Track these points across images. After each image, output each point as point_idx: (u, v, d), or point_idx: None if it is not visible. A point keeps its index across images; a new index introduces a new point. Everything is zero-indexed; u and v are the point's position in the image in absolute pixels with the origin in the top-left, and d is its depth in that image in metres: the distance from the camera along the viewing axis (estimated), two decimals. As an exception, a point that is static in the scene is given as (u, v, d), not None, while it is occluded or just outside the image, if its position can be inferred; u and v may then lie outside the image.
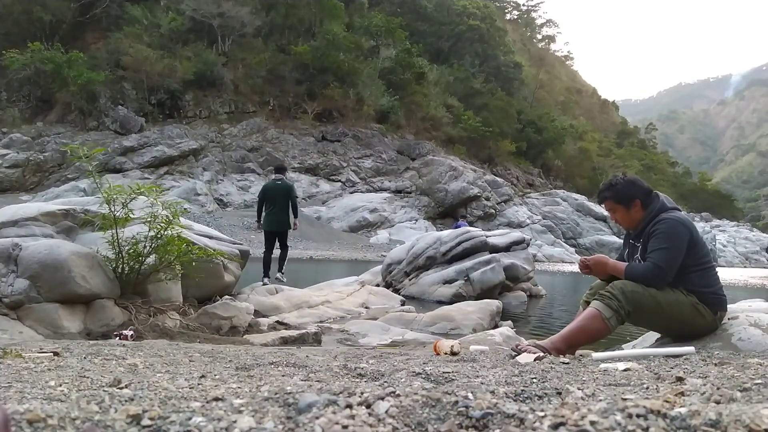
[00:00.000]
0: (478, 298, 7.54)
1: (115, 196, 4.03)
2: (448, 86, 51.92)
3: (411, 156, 42.29)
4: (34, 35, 34.64)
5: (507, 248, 10.40)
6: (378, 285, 9.21)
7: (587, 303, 2.56)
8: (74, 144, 4.27)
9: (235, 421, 0.75)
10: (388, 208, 36.26)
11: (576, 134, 63.79)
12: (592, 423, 0.73)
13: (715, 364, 1.78)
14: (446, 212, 37.45)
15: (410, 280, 9.47)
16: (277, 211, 7.33)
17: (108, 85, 34.28)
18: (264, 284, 6.89)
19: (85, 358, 1.94)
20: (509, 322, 5.80)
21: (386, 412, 0.82)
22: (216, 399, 0.94)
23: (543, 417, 0.77)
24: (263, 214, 7.41)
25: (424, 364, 1.95)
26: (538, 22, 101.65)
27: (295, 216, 7.43)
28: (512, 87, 63.15)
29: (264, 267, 7.28)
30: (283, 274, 7.45)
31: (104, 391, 1.11)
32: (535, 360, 2.13)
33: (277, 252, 7.50)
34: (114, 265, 4.06)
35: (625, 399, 0.88)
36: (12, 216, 4.43)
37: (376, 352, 2.70)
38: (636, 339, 3.23)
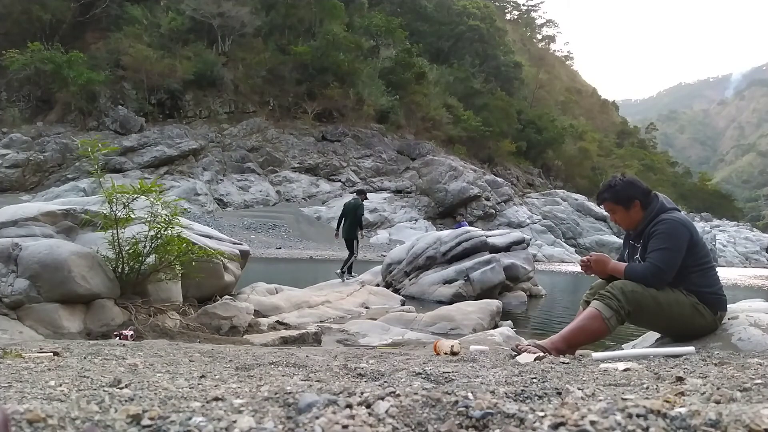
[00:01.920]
0: (478, 298, 7.54)
1: (116, 196, 4.03)
2: (448, 86, 51.91)
3: (411, 156, 42.28)
4: (34, 35, 34.65)
5: (507, 248, 10.40)
6: (378, 285, 9.21)
7: (587, 303, 2.56)
8: (75, 143, 4.26)
9: (235, 421, 0.75)
10: (388, 208, 36.26)
11: (576, 134, 63.79)
12: (592, 423, 0.73)
13: (715, 364, 1.78)
14: (446, 212, 37.44)
15: (410, 280, 9.47)
16: (346, 223, 9.16)
17: (108, 85, 34.30)
18: (348, 279, 8.62)
19: (85, 358, 1.94)
20: (509, 322, 5.80)
21: (386, 412, 0.82)
22: (216, 399, 0.94)
23: (543, 417, 0.77)
24: (341, 225, 9.30)
25: (424, 364, 1.95)
26: (538, 22, 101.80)
27: (360, 228, 9.23)
28: (512, 87, 63.16)
29: (348, 266, 9.07)
30: (343, 272, 8.98)
31: (104, 391, 1.11)
32: (535, 360, 2.13)
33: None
34: (114, 265, 4.06)
35: (625, 399, 0.88)
36: (12, 216, 4.43)
37: (376, 352, 2.70)
38: (636, 339, 3.23)
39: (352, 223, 9.07)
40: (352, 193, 9.48)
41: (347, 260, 9.12)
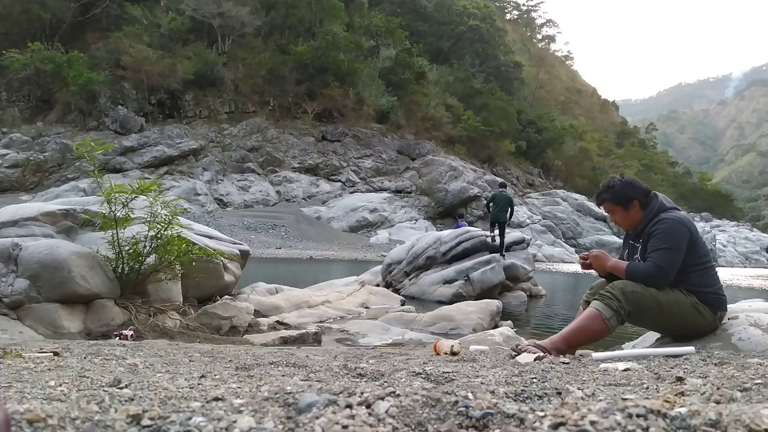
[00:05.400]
0: (478, 298, 7.53)
1: (115, 196, 4.02)
2: (448, 86, 51.93)
3: (411, 156, 42.28)
4: (34, 35, 34.66)
5: (507, 248, 10.40)
6: (378, 285, 9.21)
7: (587, 303, 2.56)
8: (75, 143, 4.26)
9: (235, 421, 0.75)
10: (388, 208, 36.25)
11: (576, 134, 63.79)
12: (592, 423, 0.73)
13: (715, 364, 1.78)
14: (446, 212, 37.44)
15: (410, 280, 9.47)
16: (498, 210, 10.55)
17: (108, 85, 34.31)
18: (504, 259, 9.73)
19: (85, 358, 1.94)
20: (509, 322, 5.80)
21: (386, 412, 0.82)
22: (216, 399, 0.94)
23: (543, 417, 0.77)
24: (491, 210, 10.77)
25: (424, 364, 1.95)
26: (538, 22, 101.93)
27: (511, 217, 10.69)
28: (512, 87, 63.14)
29: (500, 247, 10.23)
30: (503, 255, 9.93)
31: (104, 391, 1.11)
32: (535, 360, 2.13)
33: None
34: (114, 265, 4.06)
35: (625, 399, 0.88)
36: (12, 216, 4.42)
37: (376, 352, 2.70)
38: (636, 339, 3.23)
39: (504, 210, 10.54)
40: (501, 187, 11.32)
41: (502, 244, 10.28)
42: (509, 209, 10.63)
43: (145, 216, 4.14)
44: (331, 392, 0.96)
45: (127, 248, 4.10)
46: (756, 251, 48.94)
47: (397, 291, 9.02)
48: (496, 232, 10.59)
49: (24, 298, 3.54)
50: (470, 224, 15.70)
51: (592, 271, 2.66)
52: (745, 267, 43.36)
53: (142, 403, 0.93)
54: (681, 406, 0.80)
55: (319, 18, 44.19)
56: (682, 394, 1.11)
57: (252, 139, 38.34)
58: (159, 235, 4.13)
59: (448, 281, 8.80)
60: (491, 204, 10.86)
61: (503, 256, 9.92)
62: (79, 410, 0.82)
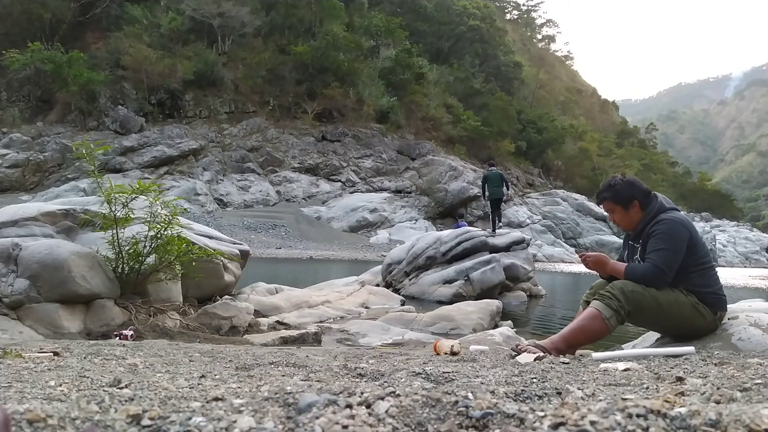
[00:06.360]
0: (478, 298, 7.53)
1: (115, 196, 4.02)
2: (448, 86, 51.88)
3: (411, 156, 42.26)
4: (34, 35, 34.65)
5: (507, 248, 10.39)
6: (378, 285, 9.20)
7: (587, 303, 2.56)
8: (73, 144, 4.26)
9: (235, 421, 0.75)
10: (388, 208, 36.24)
11: (576, 134, 63.72)
12: (592, 423, 0.73)
13: (715, 364, 1.78)
14: (446, 212, 37.43)
15: (410, 280, 9.47)
16: (495, 187, 11.39)
17: (108, 85, 34.31)
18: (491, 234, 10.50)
19: (85, 358, 1.94)
20: (509, 322, 5.80)
21: (386, 412, 0.82)
22: (216, 399, 0.94)
23: (543, 417, 0.77)
24: (488, 189, 11.49)
25: (424, 364, 1.95)
26: (538, 22, 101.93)
27: (507, 189, 11.66)
28: (512, 87, 63.11)
29: (492, 223, 11.35)
30: (494, 231, 10.89)
31: (104, 391, 1.11)
32: (535, 360, 2.13)
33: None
34: (114, 265, 4.06)
35: (625, 399, 0.88)
36: (12, 216, 4.42)
37: (376, 352, 2.70)
38: (636, 339, 3.23)
39: (500, 187, 11.36)
40: (491, 167, 11.98)
41: (497, 220, 11.31)
42: (504, 184, 11.49)
43: (145, 216, 4.14)
44: (331, 392, 0.96)
45: (127, 248, 4.10)
46: (756, 251, 48.89)
47: (397, 291, 9.02)
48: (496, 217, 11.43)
49: (24, 298, 3.54)
50: (470, 224, 15.70)
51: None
52: (745, 267, 43.32)
53: (142, 403, 0.93)
54: (681, 406, 0.80)
55: (319, 18, 44.18)
56: (682, 394, 1.11)
57: (252, 139, 38.33)
58: (159, 235, 4.13)
59: (448, 281, 8.80)
60: (486, 184, 11.55)
61: (494, 231, 10.72)
62: (79, 410, 0.82)
